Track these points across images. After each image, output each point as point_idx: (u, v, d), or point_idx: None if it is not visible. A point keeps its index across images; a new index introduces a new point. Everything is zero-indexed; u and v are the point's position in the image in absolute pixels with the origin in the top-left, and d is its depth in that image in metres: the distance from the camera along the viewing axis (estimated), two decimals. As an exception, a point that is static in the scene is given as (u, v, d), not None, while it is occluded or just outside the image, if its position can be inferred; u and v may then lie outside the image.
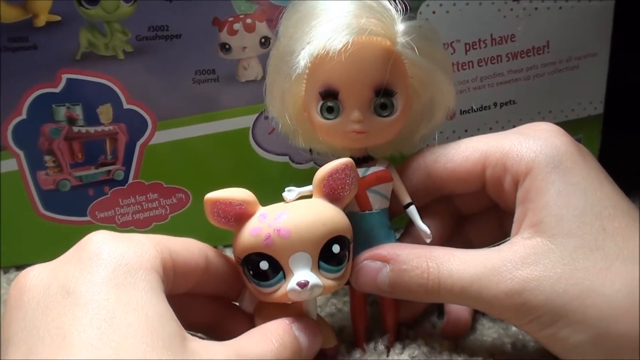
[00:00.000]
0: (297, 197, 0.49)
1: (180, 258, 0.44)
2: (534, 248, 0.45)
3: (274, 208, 0.46)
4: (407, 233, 0.55)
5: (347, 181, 0.47)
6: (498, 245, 0.48)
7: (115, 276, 0.39)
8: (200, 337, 0.41)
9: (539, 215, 0.46)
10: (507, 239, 0.48)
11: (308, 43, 0.48)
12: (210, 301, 0.50)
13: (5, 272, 0.68)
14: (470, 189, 0.52)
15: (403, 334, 0.54)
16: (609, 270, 0.44)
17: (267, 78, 0.53)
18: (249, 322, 0.49)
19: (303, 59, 0.48)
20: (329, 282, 0.46)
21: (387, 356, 0.51)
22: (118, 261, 0.40)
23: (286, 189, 0.49)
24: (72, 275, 0.39)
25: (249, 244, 0.45)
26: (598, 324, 0.43)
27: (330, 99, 0.49)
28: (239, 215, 0.46)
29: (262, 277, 0.45)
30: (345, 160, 0.47)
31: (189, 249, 0.45)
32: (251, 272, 0.46)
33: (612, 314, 0.43)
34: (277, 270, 0.45)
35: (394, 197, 0.52)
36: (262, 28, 0.64)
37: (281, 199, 0.48)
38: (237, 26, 0.63)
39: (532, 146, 0.48)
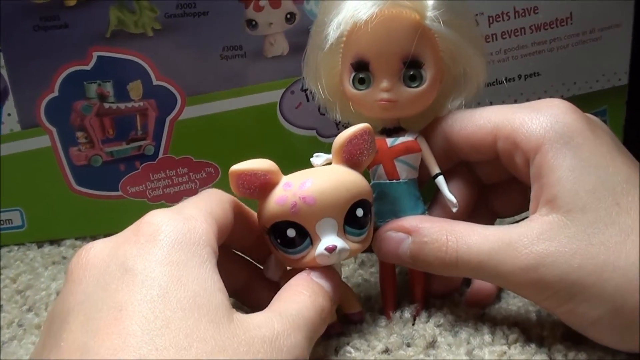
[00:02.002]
0: (325, 162, 0.50)
1: (220, 220, 0.45)
2: (550, 224, 0.45)
3: (297, 176, 0.47)
4: (435, 203, 0.55)
5: (365, 146, 0.48)
6: (517, 222, 0.48)
7: (170, 254, 0.40)
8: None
9: (553, 191, 0.46)
10: (526, 215, 0.48)
11: (337, 14, 0.50)
12: (239, 266, 0.52)
13: (39, 247, 0.69)
14: (484, 157, 0.52)
15: (430, 303, 0.54)
16: (624, 244, 0.44)
17: (305, 50, 0.54)
18: (275, 290, 0.48)
19: (332, 29, 0.50)
20: (355, 245, 0.47)
21: (413, 324, 0.51)
22: (173, 240, 0.41)
23: (314, 154, 0.51)
24: (131, 254, 0.40)
25: (276, 212, 0.46)
26: (615, 298, 0.43)
27: (362, 71, 0.50)
28: (263, 185, 0.46)
29: (290, 244, 0.46)
30: (362, 125, 0.48)
31: (223, 205, 0.46)
32: (278, 240, 0.47)
33: (629, 287, 0.43)
34: (304, 236, 0.46)
35: (423, 167, 0.52)
36: (288, 4, 0.64)
37: (308, 172, 0.49)
38: (263, 2, 0.63)
39: (541, 122, 0.48)
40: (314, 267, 0.47)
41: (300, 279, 0.46)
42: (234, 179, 0.46)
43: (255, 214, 0.49)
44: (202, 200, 0.46)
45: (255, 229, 0.49)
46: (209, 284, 0.40)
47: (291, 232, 0.46)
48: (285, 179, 0.47)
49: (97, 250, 0.42)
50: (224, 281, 0.42)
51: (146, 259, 0.40)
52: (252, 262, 0.52)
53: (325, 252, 0.46)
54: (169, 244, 0.41)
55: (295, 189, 0.46)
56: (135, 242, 0.41)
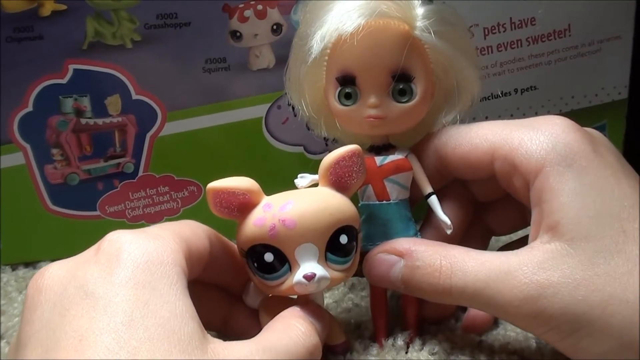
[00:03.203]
0: (310, 184, 0.48)
1: (192, 245, 0.43)
2: (552, 252, 0.43)
3: (279, 197, 0.45)
4: (428, 224, 0.53)
5: (355, 169, 0.46)
6: (514, 242, 0.47)
7: (135, 275, 0.38)
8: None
9: (555, 217, 0.44)
10: (523, 234, 0.47)
11: (320, 27, 0.48)
12: (216, 296, 0.50)
13: (13, 269, 0.67)
14: (480, 176, 0.51)
15: (424, 329, 0.53)
16: (631, 275, 0.42)
17: (287, 64, 0.53)
18: (255, 318, 0.48)
19: (316, 42, 0.48)
20: (336, 274, 0.45)
21: (406, 353, 0.50)
22: (138, 260, 0.39)
23: (299, 175, 0.49)
24: (91, 276, 0.38)
25: (253, 234, 0.44)
26: (621, 333, 0.41)
27: (348, 85, 0.49)
28: (243, 205, 0.45)
29: (267, 269, 0.45)
30: (352, 147, 0.46)
31: (196, 232, 0.45)
32: (255, 265, 0.45)
33: (637, 321, 0.41)
34: (283, 262, 0.44)
35: (414, 185, 0.51)
36: (274, 14, 0.62)
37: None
38: (248, 13, 0.62)
39: (542, 143, 0.46)
40: (302, 305, 0.46)
41: (296, 312, 0.45)
42: (212, 196, 0.45)
43: (235, 246, 0.48)
44: (171, 224, 0.44)
45: (237, 261, 0.47)
46: (179, 310, 0.38)
47: (269, 257, 0.44)
48: (266, 200, 0.46)
49: (53, 272, 0.40)
50: (203, 315, 0.40)
51: (108, 281, 0.38)
52: (231, 292, 0.50)
53: (303, 280, 0.44)
54: (133, 263, 0.39)
55: (275, 210, 0.44)
56: (95, 262, 0.39)
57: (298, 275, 0.44)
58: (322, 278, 0.44)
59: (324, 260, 0.45)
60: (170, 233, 0.42)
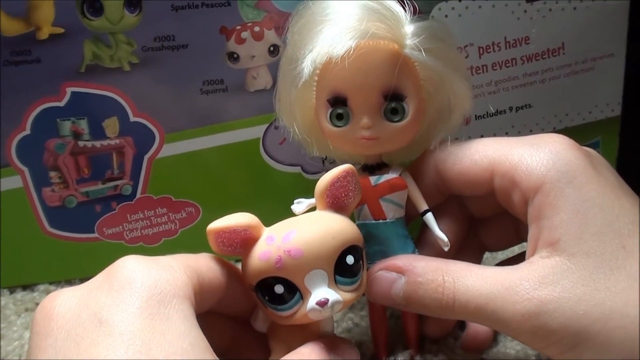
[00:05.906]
0: (307, 208, 0.48)
1: (205, 279, 0.43)
2: (553, 267, 0.43)
3: (280, 228, 0.45)
4: (423, 241, 0.53)
5: (350, 188, 0.46)
6: (510, 258, 0.47)
7: (150, 305, 0.38)
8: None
9: (556, 233, 0.44)
10: (519, 250, 0.47)
11: (311, 50, 0.48)
12: (226, 321, 0.49)
13: (11, 292, 0.67)
14: (478, 192, 0.51)
15: (425, 348, 0.53)
16: (631, 290, 0.42)
17: (276, 86, 0.52)
18: (263, 341, 0.48)
19: (306, 66, 0.48)
20: (348, 295, 0.45)
21: None
22: (152, 289, 0.38)
23: (295, 201, 0.49)
24: (105, 303, 0.38)
25: (260, 269, 0.44)
26: (623, 347, 0.41)
27: (339, 106, 0.48)
28: (245, 241, 0.45)
29: (279, 300, 0.44)
30: (345, 166, 0.46)
31: (212, 267, 0.44)
32: (266, 297, 0.44)
33: (637, 335, 0.41)
34: (293, 291, 0.44)
35: (409, 202, 0.50)
36: (271, 36, 0.62)
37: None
38: (244, 34, 0.62)
39: (542, 160, 0.46)
40: (331, 341, 0.45)
41: (311, 351, 0.44)
42: (213, 237, 0.44)
43: None
44: (184, 256, 0.43)
45: (247, 291, 0.46)
46: (196, 341, 0.38)
47: (279, 289, 0.44)
48: (267, 232, 0.45)
49: (64, 299, 0.39)
50: (212, 341, 0.39)
51: (122, 309, 0.37)
52: (237, 318, 0.49)
53: (317, 307, 0.43)
54: (147, 293, 0.38)
55: (279, 242, 0.43)
56: (108, 289, 0.39)
57: (311, 303, 0.43)
58: (335, 302, 0.43)
59: (334, 283, 0.44)
60: (183, 265, 0.41)
